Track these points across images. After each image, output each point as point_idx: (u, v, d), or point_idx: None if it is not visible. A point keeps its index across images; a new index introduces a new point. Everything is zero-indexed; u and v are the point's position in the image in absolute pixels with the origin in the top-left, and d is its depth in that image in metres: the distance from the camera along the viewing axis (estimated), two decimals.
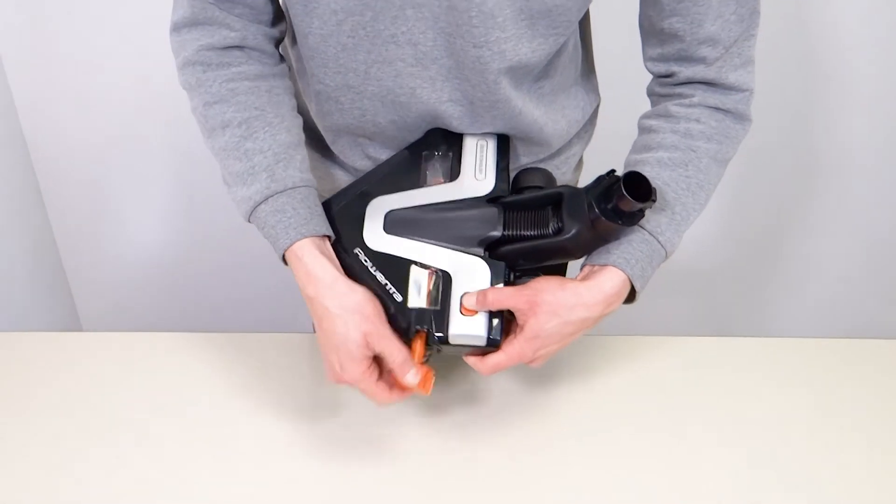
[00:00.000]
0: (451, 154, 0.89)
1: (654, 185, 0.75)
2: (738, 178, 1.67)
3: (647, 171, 0.81)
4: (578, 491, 0.86)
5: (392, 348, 0.77)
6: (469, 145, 0.89)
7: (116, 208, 1.71)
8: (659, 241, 0.82)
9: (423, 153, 0.89)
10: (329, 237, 0.83)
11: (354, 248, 0.82)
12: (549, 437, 0.91)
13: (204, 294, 1.69)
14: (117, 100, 1.56)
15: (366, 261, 0.81)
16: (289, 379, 0.96)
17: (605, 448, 0.90)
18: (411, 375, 0.78)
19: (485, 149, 0.89)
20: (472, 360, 0.81)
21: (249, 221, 0.83)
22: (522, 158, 0.96)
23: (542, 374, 0.98)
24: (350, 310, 0.77)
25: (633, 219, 0.77)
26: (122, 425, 0.91)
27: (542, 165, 0.97)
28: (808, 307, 1.95)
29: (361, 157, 0.95)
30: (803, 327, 1.95)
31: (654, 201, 0.75)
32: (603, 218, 0.76)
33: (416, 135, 0.91)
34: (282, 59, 0.90)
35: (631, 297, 0.83)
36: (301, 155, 0.85)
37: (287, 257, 0.81)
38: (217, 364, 0.98)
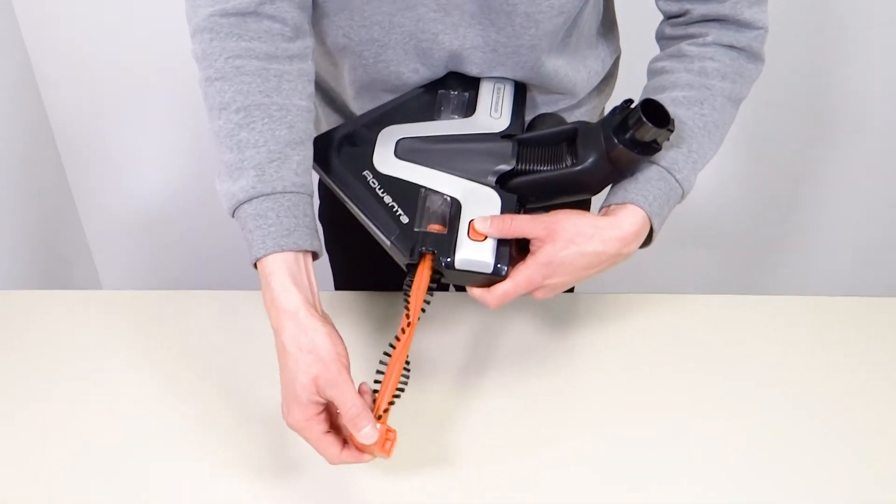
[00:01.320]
0: (467, 94, 0.88)
1: (670, 112, 0.75)
2: (758, 127, 1.65)
3: None
4: (593, 445, 0.86)
5: (345, 397, 0.69)
6: (486, 86, 0.89)
7: (135, 167, 1.72)
8: (676, 179, 0.81)
9: (439, 91, 0.89)
10: (314, 253, 0.77)
11: (363, 170, 0.81)
12: (562, 392, 0.91)
13: (228, 253, 1.70)
14: (137, 47, 1.54)
15: (374, 182, 0.81)
16: None
17: (620, 404, 0.90)
18: (367, 431, 0.69)
19: (502, 91, 0.89)
20: (478, 293, 0.79)
21: (233, 217, 0.77)
22: (542, 109, 0.96)
23: (558, 327, 0.98)
24: (304, 349, 0.71)
25: (650, 149, 0.77)
26: (144, 382, 0.92)
27: (564, 115, 0.96)
28: (833, 264, 1.93)
29: None
30: (828, 285, 1.93)
31: (672, 130, 0.75)
32: (621, 146, 0.76)
33: None
34: (309, 32, 0.84)
35: (647, 241, 0.83)
36: (301, 155, 0.78)
37: (258, 268, 0.75)
38: (240, 322, 0.98)
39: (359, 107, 0.95)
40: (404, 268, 0.79)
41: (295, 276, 0.73)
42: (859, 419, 0.89)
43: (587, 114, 1.00)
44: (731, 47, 0.85)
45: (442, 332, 0.96)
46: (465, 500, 0.81)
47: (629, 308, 1.00)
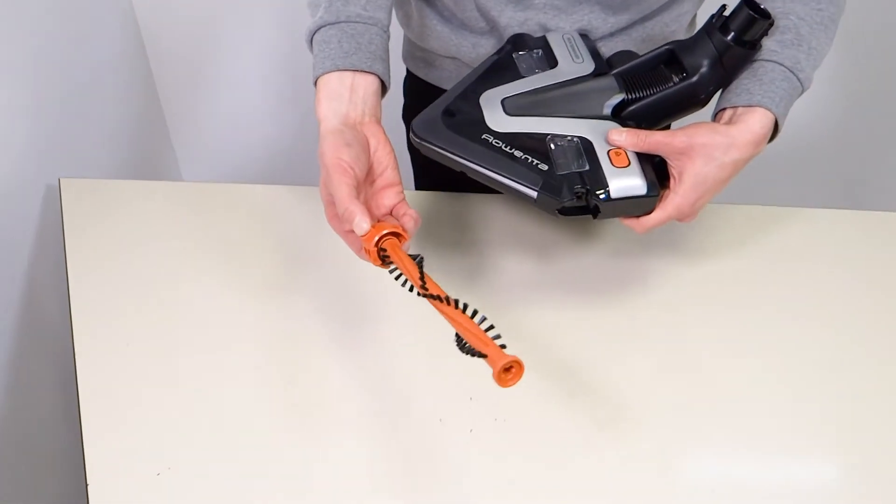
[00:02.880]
0: (540, 50, 0.88)
1: (783, 9, 0.75)
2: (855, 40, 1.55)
3: (776, 6, 0.80)
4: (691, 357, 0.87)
5: (337, 196, 0.71)
6: (555, 39, 0.89)
7: (219, 69, 1.72)
8: (798, 78, 0.80)
9: (513, 54, 0.88)
10: (379, 78, 0.79)
11: (482, 134, 0.79)
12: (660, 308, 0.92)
13: (307, 148, 1.71)
14: None
15: (497, 142, 0.78)
16: None
17: (718, 321, 0.91)
18: (357, 221, 0.69)
19: (572, 40, 0.89)
20: (628, 223, 0.80)
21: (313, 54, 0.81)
22: (633, 9, 0.91)
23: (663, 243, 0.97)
24: (321, 155, 0.74)
25: (755, 47, 0.79)
26: (220, 263, 0.95)
27: (652, 22, 0.94)
28: None
29: (472, 8, 0.93)
30: None
31: (773, 22, 0.77)
32: (736, 47, 0.78)
33: None
34: None
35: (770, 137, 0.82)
36: None
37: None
38: (313, 215, 0.98)
39: None
40: (554, 213, 0.77)
41: (333, 90, 0.77)
42: None
43: (679, 18, 0.96)
44: None
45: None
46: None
47: (731, 221, 1.01)
